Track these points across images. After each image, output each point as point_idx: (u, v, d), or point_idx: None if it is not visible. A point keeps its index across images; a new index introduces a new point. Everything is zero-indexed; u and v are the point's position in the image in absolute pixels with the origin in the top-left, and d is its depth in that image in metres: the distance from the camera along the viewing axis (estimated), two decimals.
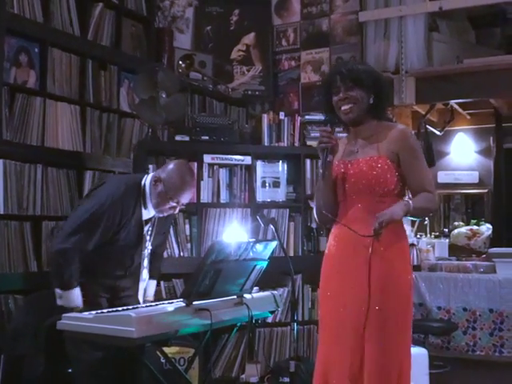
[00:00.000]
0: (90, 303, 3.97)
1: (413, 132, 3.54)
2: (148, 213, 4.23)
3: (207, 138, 5.70)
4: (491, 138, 9.51)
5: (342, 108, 3.42)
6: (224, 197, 5.75)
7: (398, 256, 3.38)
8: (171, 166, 4.26)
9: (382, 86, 3.51)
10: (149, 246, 4.32)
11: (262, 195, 5.88)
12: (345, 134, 3.71)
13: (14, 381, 4.20)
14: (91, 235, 3.99)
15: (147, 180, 4.22)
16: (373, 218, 3.22)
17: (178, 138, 5.68)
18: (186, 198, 4.22)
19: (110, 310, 3.73)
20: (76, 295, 3.95)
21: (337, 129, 3.47)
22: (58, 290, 3.92)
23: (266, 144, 6.01)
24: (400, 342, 3.33)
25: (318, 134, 5.78)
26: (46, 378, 4.13)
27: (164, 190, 4.12)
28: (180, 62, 6.57)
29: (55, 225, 5.31)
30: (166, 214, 4.27)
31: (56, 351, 4.13)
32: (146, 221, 4.24)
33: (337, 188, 3.48)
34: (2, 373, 4.28)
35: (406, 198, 3.41)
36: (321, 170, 3.43)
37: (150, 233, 4.29)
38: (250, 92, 7.62)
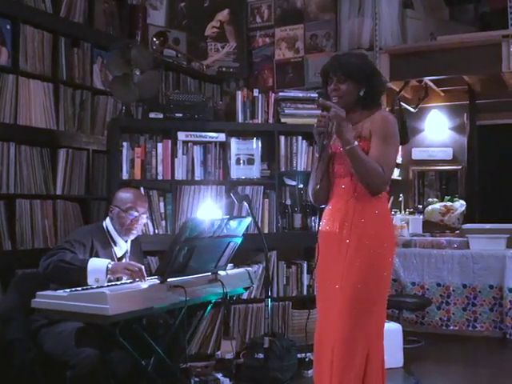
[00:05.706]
0: None
1: (396, 122, 3.57)
2: (120, 249, 4.38)
3: (181, 115, 5.67)
4: (465, 115, 9.57)
5: (332, 99, 3.53)
6: (198, 174, 5.72)
7: (378, 235, 3.45)
8: (117, 192, 4.54)
9: (374, 81, 3.58)
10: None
11: (236, 172, 5.86)
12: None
13: (5, 366, 4.16)
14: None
15: (106, 219, 4.42)
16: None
17: (151, 115, 5.63)
18: (139, 203, 4.40)
19: (85, 287, 3.73)
20: (96, 261, 3.97)
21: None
22: (88, 278, 3.87)
23: (240, 121, 5.97)
24: (368, 321, 3.39)
25: (292, 111, 5.92)
26: (39, 362, 4.09)
27: (119, 208, 4.34)
28: (154, 39, 6.55)
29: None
30: (134, 232, 4.38)
31: None
32: (119, 258, 4.36)
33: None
34: None
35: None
36: (317, 154, 3.56)
37: None
38: (224, 69, 7.61)
